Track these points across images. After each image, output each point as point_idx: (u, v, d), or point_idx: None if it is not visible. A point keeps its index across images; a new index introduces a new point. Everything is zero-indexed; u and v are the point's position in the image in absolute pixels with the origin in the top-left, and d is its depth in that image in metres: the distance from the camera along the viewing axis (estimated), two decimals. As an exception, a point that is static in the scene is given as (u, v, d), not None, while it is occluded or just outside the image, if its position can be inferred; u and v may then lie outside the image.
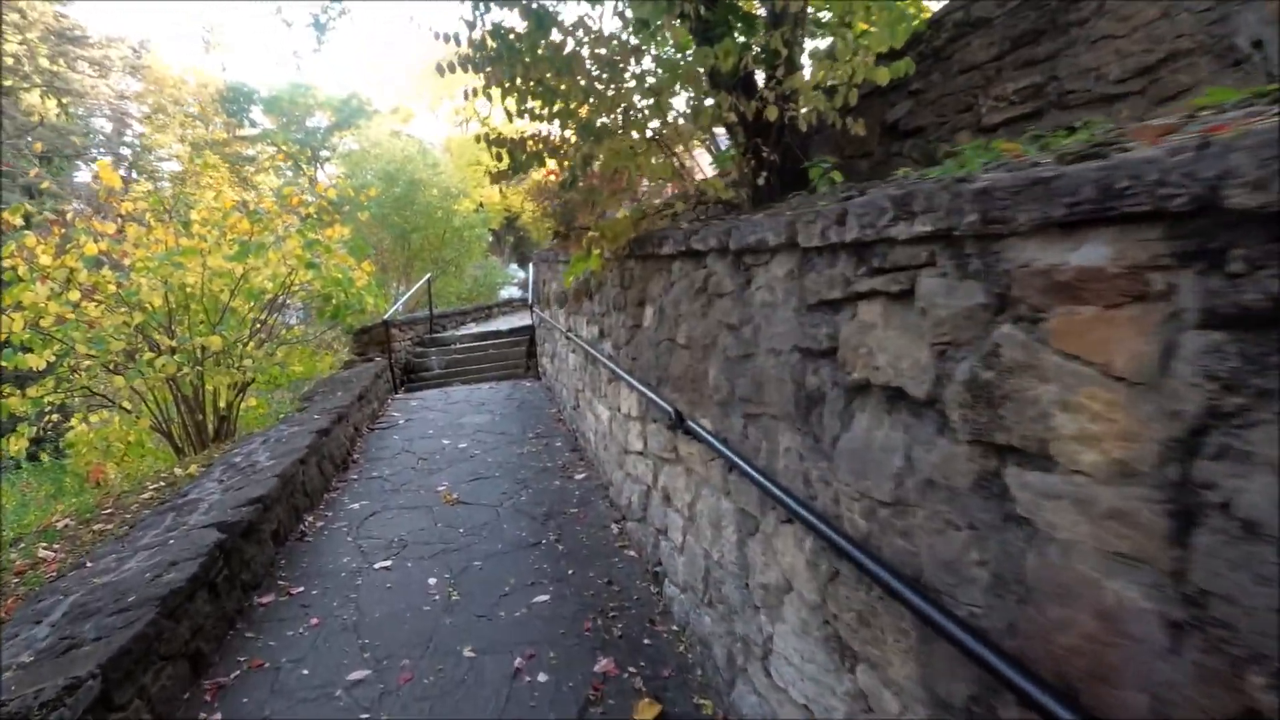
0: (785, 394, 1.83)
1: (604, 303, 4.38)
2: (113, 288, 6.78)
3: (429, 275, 12.01)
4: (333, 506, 4.20)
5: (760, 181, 3.48)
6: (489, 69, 3.46)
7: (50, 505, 8.56)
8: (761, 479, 1.88)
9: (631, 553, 3.49)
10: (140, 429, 7.81)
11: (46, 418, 8.22)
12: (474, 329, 11.74)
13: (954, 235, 1.17)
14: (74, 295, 6.32)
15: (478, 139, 3.79)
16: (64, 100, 23.23)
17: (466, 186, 20.13)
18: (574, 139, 3.65)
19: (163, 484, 4.98)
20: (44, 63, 22.07)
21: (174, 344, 6.51)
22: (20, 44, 21.46)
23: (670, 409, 2.67)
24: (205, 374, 7.06)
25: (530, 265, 10.05)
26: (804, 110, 3.41)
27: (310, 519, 3.92)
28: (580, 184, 3.45)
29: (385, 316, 8.93)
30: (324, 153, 31.69)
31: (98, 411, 8.41)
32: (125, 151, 27.58)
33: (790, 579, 1.86)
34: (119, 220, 7.34)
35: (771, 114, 3.16)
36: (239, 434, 8.01)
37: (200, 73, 30.55)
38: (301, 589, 3.08)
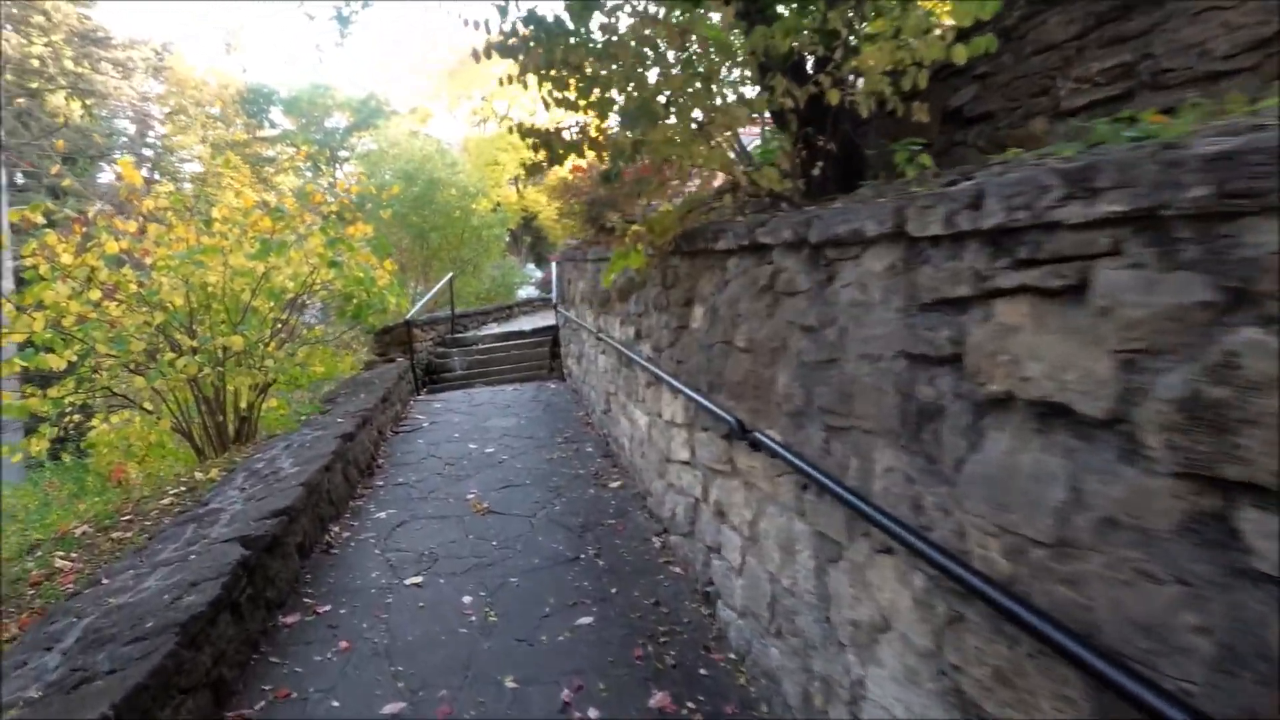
0: (885, 406, 1.59)
1: (642, 302, 4.16)
2: (134, 287, 6.68)
3: (450, 275, 11.85)
4: (359, 515, 4.01)
5: (815, 172, 3.24)
6: (523, 56, 3.27)
7: (72, 504, 8.51)
8: (856, 501, 1.65)
9: (677, 569, 3.27)
10: (160, 430, 7.70)
11: (68, 418, 8.19)
12: (495, 329, 11.58)
13: (1158, 216, 0.93)
14: (95, 294, 6.21)
15: (510, 130, 3.60)
16: (88, 101, 23.46)
17: (484, 186, 20.04)
18: (616, 128, 3.45)
19: (183, 489, 4.84)
20: (69, 64, 22.23)
21: (195, 344, 6.38)
22: (45, 45, 21.64)
23: (730, 418, 2.44)
24: (226, 375, 6.94)
25: (553, 264, 9.87)
26: (864, 95, 3.18)
27: (336, 529, 3.73)
28: (623, 175, 3.24)
29: (407, 316, 8.78)
30: (342, 153, 31.82)
31: (119, 412, 8.33)
32: (148, 152, 27.87)
33: (889, 618, 1.63)
34: (140, 219, 7.24)
35: (833, 98, 2.92)
36: (259, 435, 7.91)
37: (221, 74, 30.80)
38: (329, 607, 2.89)
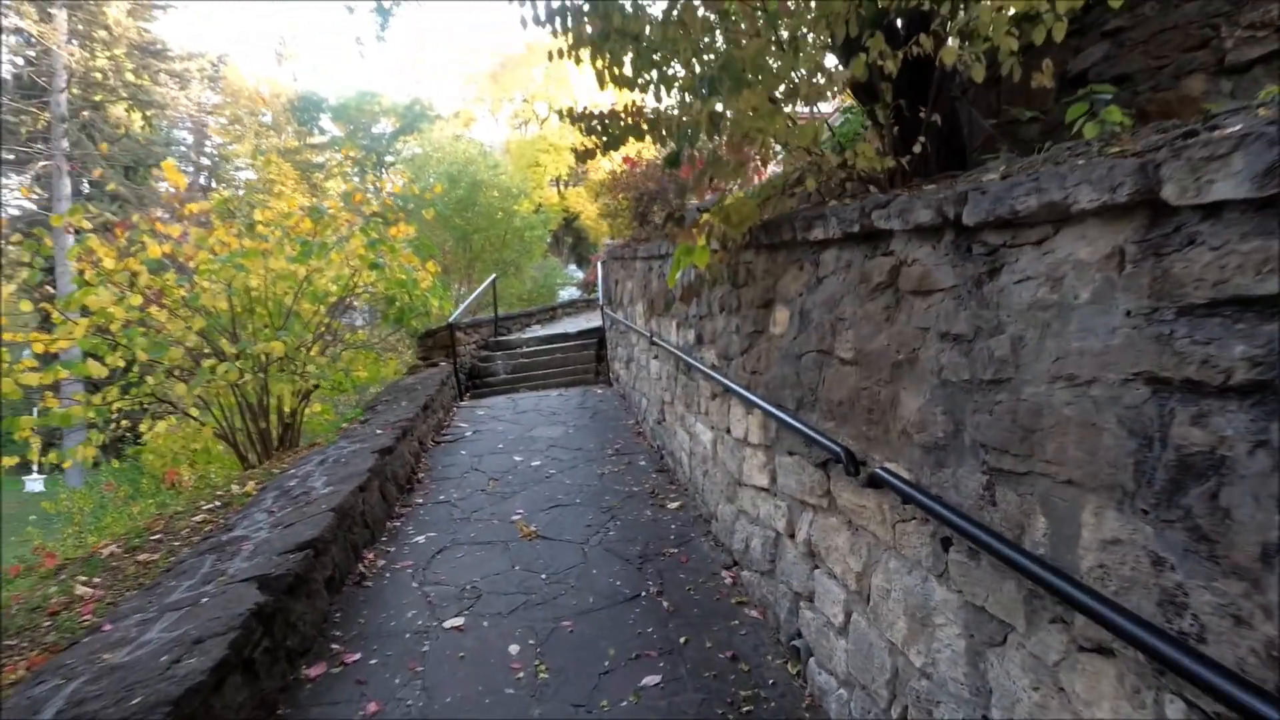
0: (1105, 450, 1.12)
1: (705, 304, 3.72)
2: (179, 291, 6.53)
3: (493, 276, 11.59)
4: (395, 539, 3.67)
5: (916, 149, 2.75)
6: (573, 32, 2.91)
7: (126, 507, 8.51)
8: (1048, 576, 1.18)
9: (753, 613, 2.82)
10: (205, 436, 7.58)
11: (114, 424, 8.20)
12: (539, 331, 11.27)
13: None
14: (136, 300, 6.07)
15: (560, 115, 3.24)
16: (148, 112, 24.26)
17: (526, 187, 19.92)
18: (684, 105, 3.05)
19: (218, 504, 4.60)
20: (130, 77, 23.01)
21: (235, 350, 6.20)
22: (108, 59, 22.40)
23: (835, 446, 1.99)
24: (269, 381, 6.76)
25: (598, 264, 9.49)
26: (975, 55, 2.68)
27: (370, 556, 3.39)
28: (692, 155, 2.82)
29: (450, 320, 8.52)
30: (388, 158, 32.33)
31: (166, 418, 8.30)
32: (205, 161, 28.77)
33: (1108, 747, 1.16)
34: (183, 222, 7.14)
35: (948, 57, 2.43)
36: (303, 441, 7.76)
37: (274, 83, 31.69)
38: (358, 656, 2.53)
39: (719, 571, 3.19)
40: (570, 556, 3.36)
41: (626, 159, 7.58)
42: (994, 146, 3.36)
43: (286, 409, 7.56)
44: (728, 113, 2.38)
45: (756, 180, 5.73)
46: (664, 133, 2.92)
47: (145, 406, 7.53)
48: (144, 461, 9.66)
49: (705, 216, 2.65)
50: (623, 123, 3.05)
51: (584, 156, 3.24)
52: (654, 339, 5.05)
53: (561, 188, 25.57)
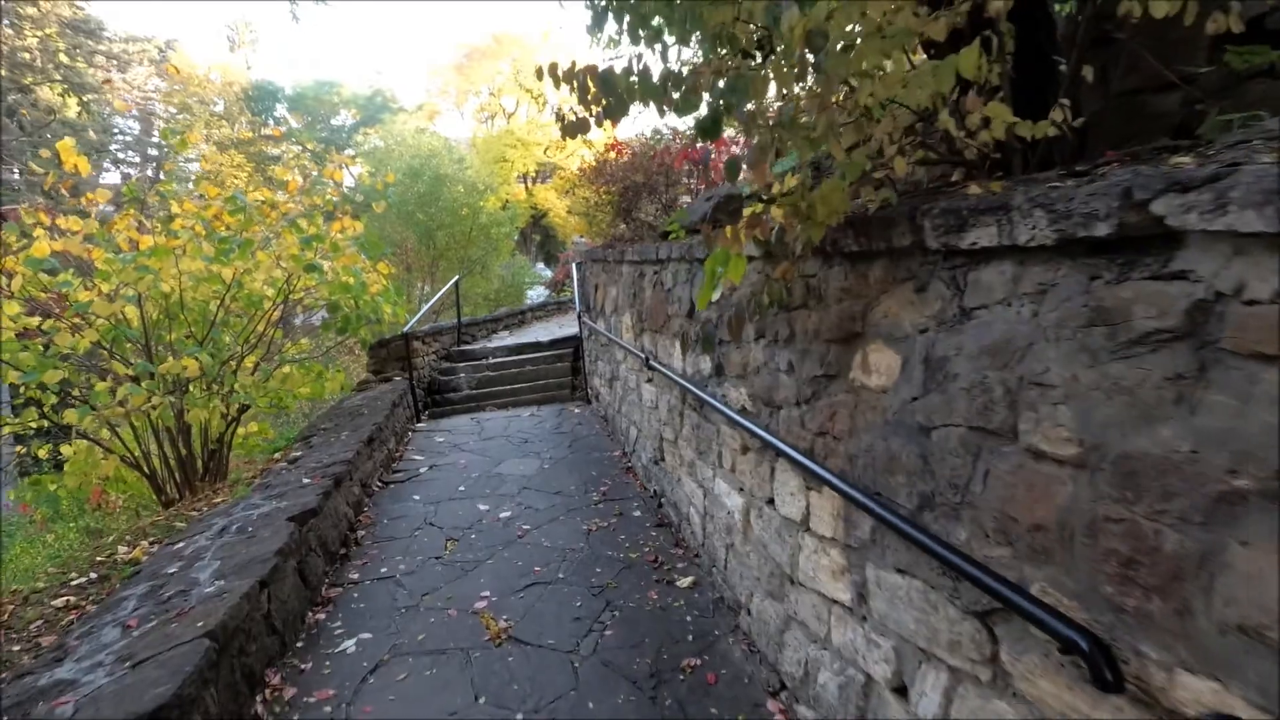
0: None
1: (729, 326, 2.84)
2: (80, 297, 5.42)
3: (456, 278, 10.55)
4: (315, 644, 2.70)
5: (1060, 118, 1.90)
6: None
7: (40, 537, 7.34)
8: None
9: (827, 785, 1.94)
10: (111, 465, 6.42)
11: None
12: (508, 339, 10.28)
13: None
14: (13, 309, 4.95)
15: (539, 74, 2.34)
16: (85, 97, 22.58)
17: (493, 183, 18.99)
18: (713, 55, 2.20)
19: (92, 577, 3.57)
20: (63, 59, 21.41)
21: (131, 371, 5.13)
22: (37, 38, 20.78)
23: (1069, 630, 1.10)
24: (186, 404, 5.68)
25: (574, 265, 8.57)
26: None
27: (275, 681, 2.42)
28: (753, 112, 1.94)
29: (406, 329, 7.50)
30: (348, 151, 30.95)
31: (73, 442, 7.16)
32: (152, 152, 27.02)
33: None
34: (83, 217, 6.00)
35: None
36: (243, 462, 6.75)
37: (226, 70, 30.07)
38: None
39: (762, 701, 2.31)
40: (556, 677, 2.45)
41: (612, 145, 6.68)
42: (1113, 122, 2.57)
43: (213, 433, 6.49)
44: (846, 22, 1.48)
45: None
46: (699, 87, 2.04)
47: (37, 432, 6.41)
48: (63, 481, 8.52)
49: (772, 209, 1.77)
50: (632, 80, 2.16)
51: (573, 130, 2.33)
52: (651, 361, 4.15)
53: (529, 184, 24.65)
